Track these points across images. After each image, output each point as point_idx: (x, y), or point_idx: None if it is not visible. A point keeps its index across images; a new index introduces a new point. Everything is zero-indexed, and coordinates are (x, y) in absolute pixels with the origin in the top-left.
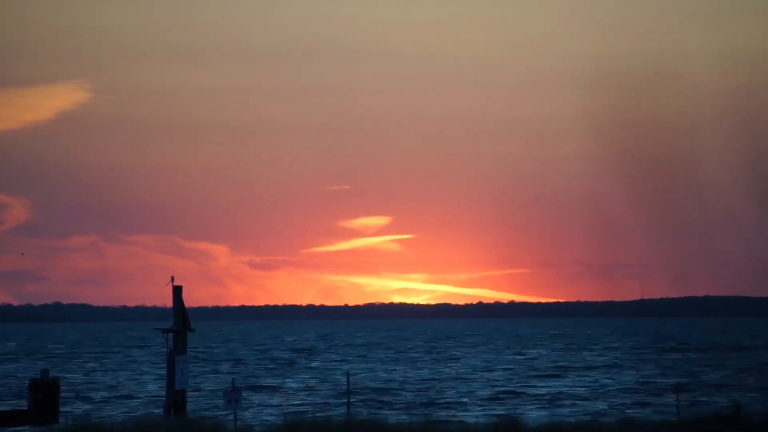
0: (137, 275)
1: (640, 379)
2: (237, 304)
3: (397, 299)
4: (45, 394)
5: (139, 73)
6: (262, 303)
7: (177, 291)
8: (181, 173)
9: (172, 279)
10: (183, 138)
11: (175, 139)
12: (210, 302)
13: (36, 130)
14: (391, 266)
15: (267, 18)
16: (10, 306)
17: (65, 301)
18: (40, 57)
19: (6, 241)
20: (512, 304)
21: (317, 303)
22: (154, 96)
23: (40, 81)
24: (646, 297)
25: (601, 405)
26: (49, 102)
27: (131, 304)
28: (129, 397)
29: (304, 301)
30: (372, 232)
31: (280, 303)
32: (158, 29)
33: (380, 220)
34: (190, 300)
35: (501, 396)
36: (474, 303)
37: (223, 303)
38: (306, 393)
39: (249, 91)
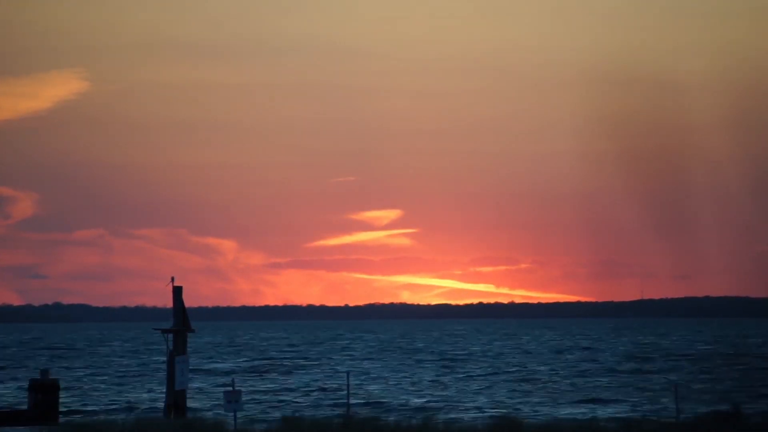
0: (142, 271)
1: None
2: (239, 304)
3: (405, 295)
4: (45, 394)
5: (140, 68)
6: (263, 303)
7: (177, 291)
8: (188, 168)
9: (172, 279)
10: (187, 132)
11: (178, 133)
12: (215, 299)
13: (36, 120)
14: (397, 262)
15: (274, 14)
16: (10, 306)
17: (66, 300)
18: (35, 45)
19: (13, 236)
20: (512, 305)
21: (317, 303)
22: (159, 90)
23: (35, 70)
24: (646, 297)
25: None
26: (46, 91)
27: (132, 304)
28: (129, 400)
29: (306, 300)
30: (378, 226)
31: (280, 303)
32: (162, 25)
33: (389, 213)
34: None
35: None
36: (474, 303)
37: (228, 300)
38: None
39: (256, 87)
